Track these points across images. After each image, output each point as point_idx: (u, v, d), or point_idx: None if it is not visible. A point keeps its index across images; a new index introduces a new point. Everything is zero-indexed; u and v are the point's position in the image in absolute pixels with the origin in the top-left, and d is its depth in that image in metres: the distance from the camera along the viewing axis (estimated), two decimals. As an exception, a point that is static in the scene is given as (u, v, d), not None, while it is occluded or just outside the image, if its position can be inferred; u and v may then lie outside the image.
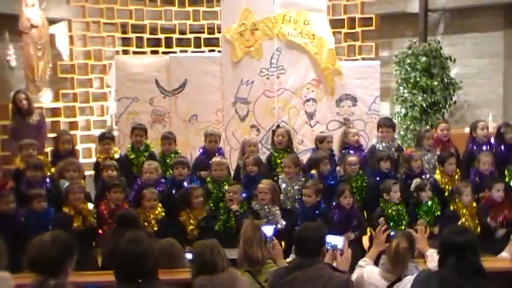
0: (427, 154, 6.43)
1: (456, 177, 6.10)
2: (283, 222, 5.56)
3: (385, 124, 6.82)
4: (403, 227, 5.31)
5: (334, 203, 5.63)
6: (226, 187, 5.87)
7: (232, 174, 6.55)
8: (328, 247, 3.85)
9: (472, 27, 9.79)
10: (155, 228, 5.42)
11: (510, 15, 9.43)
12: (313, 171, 6.04)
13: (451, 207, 5.57)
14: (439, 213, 5.66)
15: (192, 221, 5.56)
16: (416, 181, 5.85)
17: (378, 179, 5.99)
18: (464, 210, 5.49)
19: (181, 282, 3.75)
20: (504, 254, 4.48)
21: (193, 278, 3.54)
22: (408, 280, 3.65)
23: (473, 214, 5.50)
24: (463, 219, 5.45)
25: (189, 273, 3.99)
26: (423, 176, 6.06)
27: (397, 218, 5.49)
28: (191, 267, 3.71)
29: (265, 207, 5.58)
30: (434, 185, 5.96)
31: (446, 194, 5.93)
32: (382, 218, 5.35)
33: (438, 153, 6.44)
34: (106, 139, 6.68)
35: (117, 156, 6.56)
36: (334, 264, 3.80)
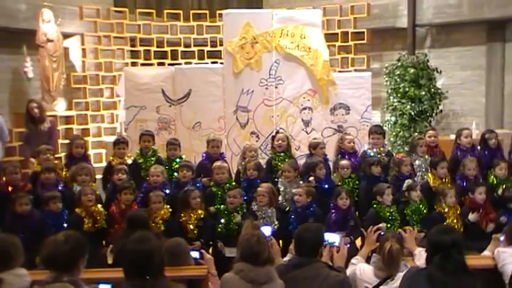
0: (419, 159, 6.45)
1: (447, 179, 6.12)
2: (276, 223, 5.53)
3: (376, 131, 6.82)
4: (396, 228, 5.29)
5: (331, 204, 5.61)
6: (227, 188, 5.85)
7: (233, 177, 6.54)
8: (325, 243, 3.85)
9: (457, 42, 9.82)
10: (162, 228, 5.40)
11: (491, 31, 9.45)
12: (311, 178, 6.04)
13: (437, 209, 5.58)
14: (425, 211, 5.66)
15: (191, 221, 5.52)
16: (407, 182, 5.84)
17: (369, 182, 5.99)
18: (450, 212, 5.50)
19: (186, 279, 3.74)
20: (486, 252, 4.49)
21: (235, 262, 3.52)
22: (399, 277, 3.63)
23: (457, 215, 5.50)
24: (449, 220, 5.45)
25: (193, 270, 3.99)
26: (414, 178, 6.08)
27: (391, 219, 5.49)
28: (236, 251, 3.67)
29: (263, 208, 5.56)
30: (427, 187, 5.96)
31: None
32: (383, 224, 5.31)
33: (428, 158, 6.46)
34: (121, 143, 6.66)
35: (129, 161, 6.54)
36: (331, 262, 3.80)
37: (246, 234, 3.58)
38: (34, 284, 3.16)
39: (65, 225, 5.34)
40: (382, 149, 6.73)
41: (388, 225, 5.38)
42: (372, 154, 6.54)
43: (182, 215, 5.50)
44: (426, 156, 6.47)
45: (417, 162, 6.37)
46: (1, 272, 3.10)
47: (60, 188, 5.91)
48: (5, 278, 3.08)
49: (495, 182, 5.98)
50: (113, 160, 6.59)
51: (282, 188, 5.98)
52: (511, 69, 9.23)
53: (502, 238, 4.40)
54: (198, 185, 6.07)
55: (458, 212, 5.54)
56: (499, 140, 6.79)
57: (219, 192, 5.94)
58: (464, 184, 6.00)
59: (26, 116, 7.93)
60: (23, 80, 9.33)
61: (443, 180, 6.03)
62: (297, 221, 5.35)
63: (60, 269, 3.11)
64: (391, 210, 5.54)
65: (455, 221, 5.44)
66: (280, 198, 5.88)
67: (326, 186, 6.04)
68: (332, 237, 4.01)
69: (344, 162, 6.26)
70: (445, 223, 5.34)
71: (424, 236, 4.97)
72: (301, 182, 5.94)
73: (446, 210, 5.49)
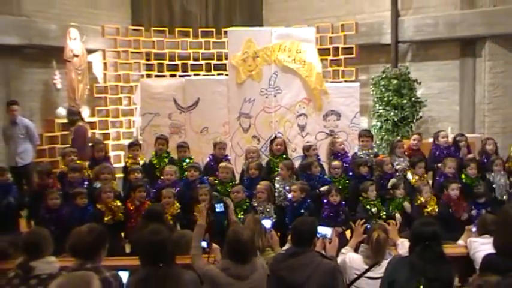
0: (399, 159, 6.45)
1: (426, 176, 6.12)
2: (274, 217, 5.53)
3: (365, 135, 6.82)
4: (381, 219, 5.29)
5: (324, 201, 5.60)
6: (231, 186, 5.84)
7: (238, 176, 6.53)
8: (319, 236, 3.85)
9: (434, 56, 9.82)
10: (171, 222, 5.38)
11: (464, 47, 9.47)
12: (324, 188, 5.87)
13: (416, 203, 5.59)
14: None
15: (200, 213, 5.51)
16: (392, 180, 5.85)
17: (357, 181, 5.99)
18: (427, 205, 5.51)
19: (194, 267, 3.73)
20: (460, 242, 4.49)
21: (223, 257, 3.51)
22: (384, 264, 3.64)
23: (434, 208, 5.51)
24: (426, 213, 5.46)
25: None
26: (397, 175, 6.07)
27: (375, 212, 5.50)
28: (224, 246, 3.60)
29: (262, 204, 5.55)
30: (408, 184, 5.96)
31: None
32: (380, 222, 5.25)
33: (408, 159, 6.47)
34: (135, 146, 6.69)
35: (141, 162, 6.54)
36: (324, 251, 3.80)
37: (234, 231, 3.48)
38: (62, 270, 3.17)
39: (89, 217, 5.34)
40: (370, 150, 6.74)
41: (372, 216, 5.37)
42: (361, 155, 6.54)
43: (195, 209, 5.50)
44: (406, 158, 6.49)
45: (397, 162, 6.38)
46: (34, 260, 3.12)
47: (85, 185, 5.93)
48: (37, 266, 3.09)
49: (467, 180, 5.97)
50: (127, 161, 6.60)
51: (277, 186, 5.98)
52: (481, 80, 9.23)
53: (473, 229, 4.41)
54: (204, 182, 6.06)
55: (434, 205, 5.54)
56: (469, 142, 6.84)
57: (222, 190, 5.91)
58: (441, 181, 6.02)
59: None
60: (52, 90, 9.36)
61: (421, 177, 6.04)
62: (292, 215, 5.35)
63: (84, 257, 3.12)
64: (375, 204, 5.56)
65: (432, 212, 5.45)
66: (276, 195, 5.87)
67: (319, 185, 6.03)
68: (324, 230, 4.01)
69: (335, 163, 6.24)
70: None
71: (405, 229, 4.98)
72: (295, 181, 5.93)
73: (423, 204, 5.51)
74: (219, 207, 4.59)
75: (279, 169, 6.06)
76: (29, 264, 3.08)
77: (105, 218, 5.31)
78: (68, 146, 7.97)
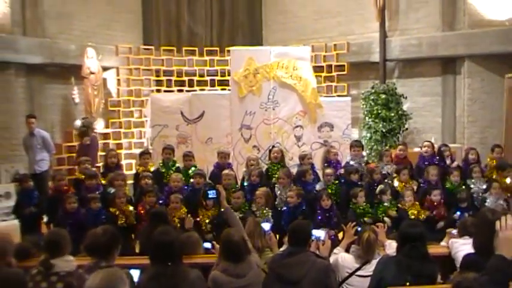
0: (386, 167, 6.46)
1: (411, 183, 6.12)
2: (271, 221, 5.53)
3: (356, 145, 6.84)
4: (369, 220, 5.30)
5: (317, 206, 5.61)
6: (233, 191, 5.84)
7: (239, 183, 6.53)
8: (313, 238, 3.86)
9: (418, 74, 9.85)
10: (178, 225, 5.38)
11: (445, 65, 9.51)
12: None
13: (401, 206, 5.60)
14: (394, 211, 5.66)
15: (206, 219, 5.53)
16: (380, 187, 5.86)
17: (348, 187, 5.99)
18: (411, 209, 5.51)
19: (199, 265, 3.74)
20: (443, 243, 4.49)
21: (219, 261, 3.50)
22: (373, 263, 3.64)
23: (417, 212, 5.50)
24: (411, 216, 5.46)
25: (205, 258, 3.98)
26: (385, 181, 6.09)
27: (363, 215, 5.51)
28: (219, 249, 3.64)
29: (260, 208, 5.55)
30: (393, 189, 5.97)
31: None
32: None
33: (394, 166, 6.49)
34: (145, 155, 6.69)
35: (152, 169, 6.55)
36: (318, 252, 3.81)
37: (226, 234, 3.48)
38: (79, 268, 3.18)
39: (103, 220, 5.33)
40: (361, 159, 6.77)
41: (361, 219, 5.37)
42: (353, 164, 6.55)
43: (199, 214, 5.51)
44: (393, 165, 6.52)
45: (385, 168, 6.42)
46: (53, 258, 3.13)
47: (99, 191, 5.94)
48: (56, 263, 3.10)
49: (451, 187, 5.98)
50: (139, 169, 6.61)
51: (278, 192, 5.98)
52: (460, 95, 9.26)
53: (454, 232, 4.42)
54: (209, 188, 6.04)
55: (418, 209, 5.54)
56: (451, 151, 6.86)
57: (226, 195, 5.89)
58: (425, 186, 6.02)
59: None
60: (71, 104, 9.41)
61: (405, 184, 6.05)
62: (289, 217, 5.36)
63: (99, 256, 3.14)
64: (364, 208, 5.57)
65: (415, 213, 5.45)
66: (277, 200, 5.88)
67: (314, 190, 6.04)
68: (318, 233, 4.03)
69: (329, 170, 6.24)
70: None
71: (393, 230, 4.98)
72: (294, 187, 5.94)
73: (407, 208, 5.52)
74: (211, 194, 4.59)
75: (278, 177, 6.08)
76: (49, 262, 3.09)
77: (119, 222, 5.32)
78: (76, 155, 7.97)
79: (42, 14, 8.85)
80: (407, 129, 9.56)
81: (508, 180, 5.93)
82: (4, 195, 8.03)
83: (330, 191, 5.92)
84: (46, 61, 8.81)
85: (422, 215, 5.47)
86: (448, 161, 6.65)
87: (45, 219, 6.22)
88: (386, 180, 6.17)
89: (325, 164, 6.70)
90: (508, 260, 1.96)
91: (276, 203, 5.84)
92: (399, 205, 5.64)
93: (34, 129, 7.58)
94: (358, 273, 3.76)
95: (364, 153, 7.37)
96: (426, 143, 6.85)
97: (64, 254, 3.16)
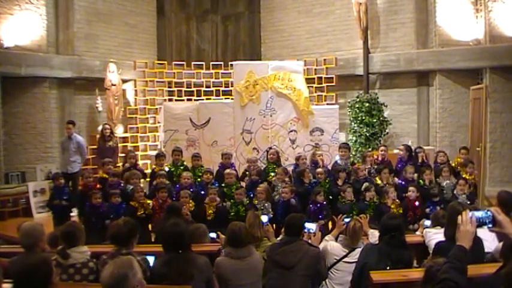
0: (368, 167, 6.46)
1: (389, 181, 6.12)
2: (271, 213, 5.56)
3: (344, 147, 6.84)
4: (355, 215, 5.29)
5: (310, 200, 5.59)
6: (235, 188, 5.86)
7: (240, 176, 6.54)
8: (306, 230, 3.88)
9: (397, 85, 9.86)
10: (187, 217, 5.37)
11: (420, 78, 9.52)
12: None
13: (383, 202, 5.59)
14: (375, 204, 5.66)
15: (210, 208, 5.55)
16: (365, 184, 5.85)
17: (337, 184, 6.00)
18: (392, 204, 5.50)
19: (206, 253, 3.75)
20: (418, 232, 4.51)
21: (224, 246, 3.54)
22: (358, 251, 3.67)
23: (397, 206, 5.51)
24: (392, 207, 5.46)
25: (210, 246, 4.00)
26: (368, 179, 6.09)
27: (350, 209, 5.51)
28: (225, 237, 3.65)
29: (261, 202, 5.57)
30: (376, 186, 5.97)
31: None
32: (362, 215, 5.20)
33: (376, 166, 6.49)
34: (161, 156, 6.68)
35: (166, 169, 6.55)
36: (310, 241, 3.83)
37: (231, 224, 3.53)
38: (103, 255, 3.18)
39: (122, 213, 5.33)
40: (348, 159, 6.77)
41: (348, 213, 5.37)
42: (341, 163, 6.55)
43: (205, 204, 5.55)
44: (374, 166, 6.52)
45: (367, 168, 6.38)
46: (69, 248, 3.12)
47: (120, 188, 5.95)
48: (72, 254, 3.10)
49: (422, 184, 5.96)
50: (155, 168, 6.62)
51: (274, 184, 5.98)
52: (433, 104, 9.28)
53: (426, 223, 4.42)
54: (215, 184, 6.06)
55: (397, 204, 5.55)
56: (426, 153, 6.87)
57: (228, 192, 5.91)
58: (403, 184, 6.01)
59: (100, 135, 8.17)
60: (95, 112, 9.44)
61: (386, 182, 6.05)
62: (283, 209, 5.38)
63: (120, 244, 3.15)
64: (351, 202, 5.58)
65: (395, 209, 5.45)
66: (274, 193, 5.89)
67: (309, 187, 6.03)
68: (310, 226, 4.05)
69: (320, 170, 6.23)
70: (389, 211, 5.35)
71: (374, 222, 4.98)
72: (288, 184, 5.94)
73: (389, 203, 5.52)
74: (212, 235, 4.46)
75: (276, 173, 6.13)
76: (66, 251, 3.09)
77: (138, 213, 5.31)
78: (100, 156, 7.97)
79: (72, 36, 9.04)
80: (387, 133, 9.57)
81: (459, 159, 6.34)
82: (39, 191, 8.16)
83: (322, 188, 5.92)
84: (75, 75, 9.01)
85: (400, 211, 5.45)
86: (420, 160, 6.66)
87: (75, 212, 6.25)
88: (369, 178, 6.17)
89: (312, 165, 6.71)
90: (466, 250, 2.04)
91: (274, 195, 5.83)
92: (381, 200, 5.63)
93: (72, 134, 7.59)
94: (345, 259, 3.78)
95: (350, 154, 7.37)
96: (401, 146, 6.87)
97: (79, 245, 3.14)
